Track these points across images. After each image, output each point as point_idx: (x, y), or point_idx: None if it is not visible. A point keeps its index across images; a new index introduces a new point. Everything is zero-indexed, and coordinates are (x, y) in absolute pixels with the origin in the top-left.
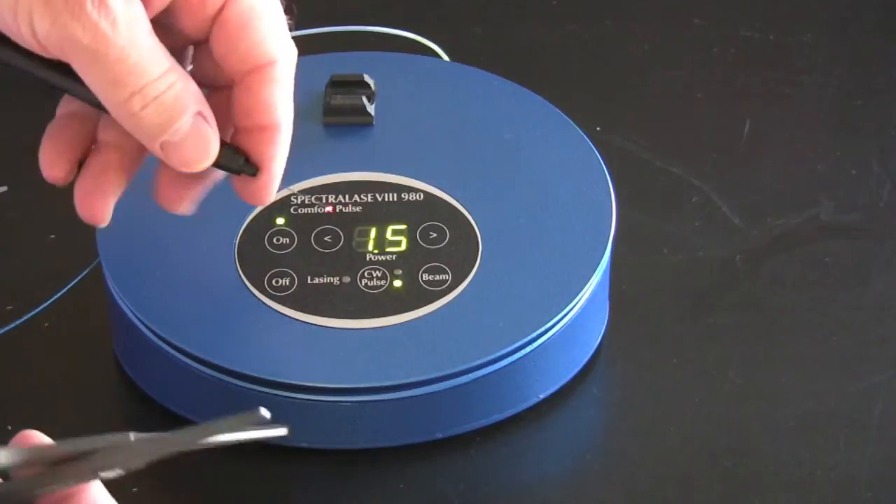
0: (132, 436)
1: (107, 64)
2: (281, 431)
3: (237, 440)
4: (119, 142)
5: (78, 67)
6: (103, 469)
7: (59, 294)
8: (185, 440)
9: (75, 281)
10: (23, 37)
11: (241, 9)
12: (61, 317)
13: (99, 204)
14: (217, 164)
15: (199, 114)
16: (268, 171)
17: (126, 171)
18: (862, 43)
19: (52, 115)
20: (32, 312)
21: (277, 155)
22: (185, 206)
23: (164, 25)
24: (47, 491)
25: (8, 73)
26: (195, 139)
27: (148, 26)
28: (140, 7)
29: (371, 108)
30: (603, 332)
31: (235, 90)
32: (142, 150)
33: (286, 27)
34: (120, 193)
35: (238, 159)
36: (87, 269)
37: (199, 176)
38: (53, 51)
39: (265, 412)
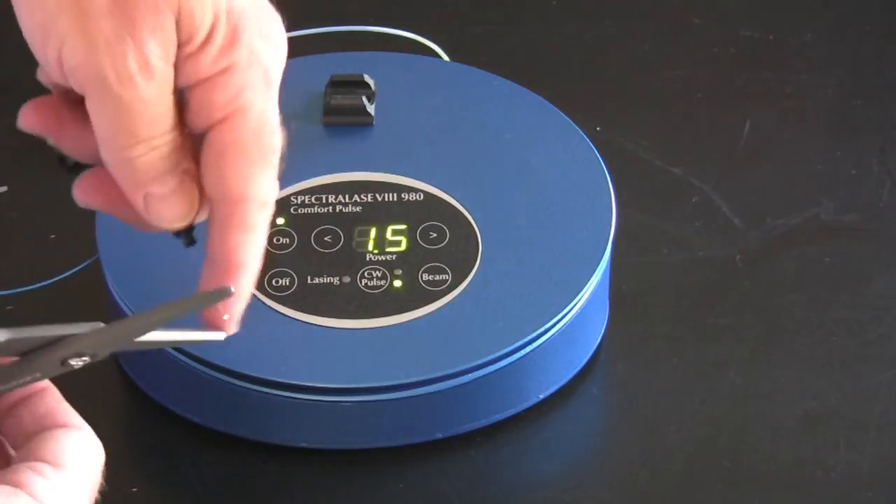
0: (100, 324)
1: (126, 112)
2: (219, 336)
3: (184, 339)
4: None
5: (94, 105)
6: (71, 357)
7: (56, 279)
8: (144, 324)
9: (73, 271)
10: (46, 58)
11: (227, 136)
12: (62, 317)
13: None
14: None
15: (187, 171)
16: (229, 301)
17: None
18: (862, 43)
19: None
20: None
21: (235, 294)
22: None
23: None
24: (13, 387)
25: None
26: (179, 195)
27: (172, 86)
28: (171, 69)
29: (371, 108)
30: (603, 332)
31: (210, 214)
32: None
33: (274, 168)
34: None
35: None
36: (85, 263)
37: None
38: (74, 82)
39: (231, 289)
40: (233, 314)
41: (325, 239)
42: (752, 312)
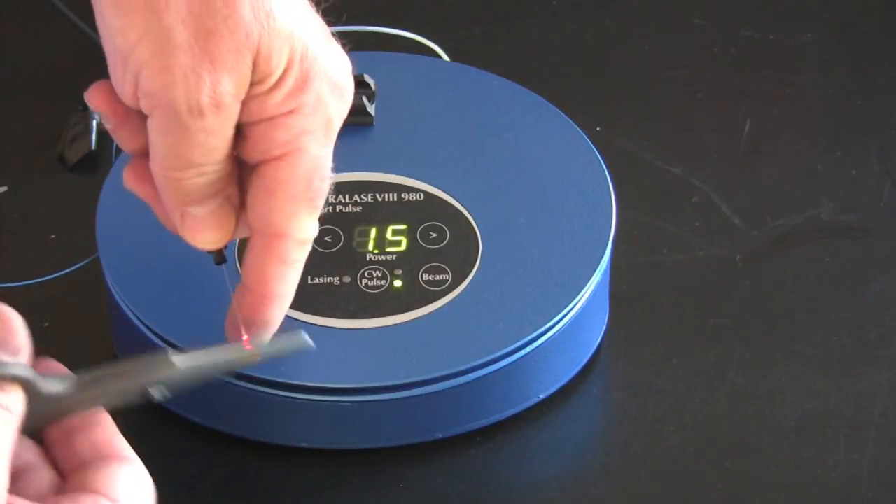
0: (170, 353)
1: (186, 139)
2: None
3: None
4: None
5: (157, 125)
6: (149, 384)
7: (55, 275)
8: (225, 361)
9: (72, 268)
10: (123, 82)
11: (280, 174)
12: (62, 317)
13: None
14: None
15: (228, 197)
16: (247, 329)
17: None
18: (862, 43)
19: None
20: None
21: (259, 320)
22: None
23: None
24: (96, 405)
25: (9, 74)
26: (217, 219)
27: (235, 120)
28: (239, 105)
29: (371, 108)
30: (603, 332)
31: (248, 242)
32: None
33: (318, 211)
34: None
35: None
36: (84, 262)
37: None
38: (145, 105)
39: (307, 339)
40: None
41: (325, 239)
42: (752, 312)
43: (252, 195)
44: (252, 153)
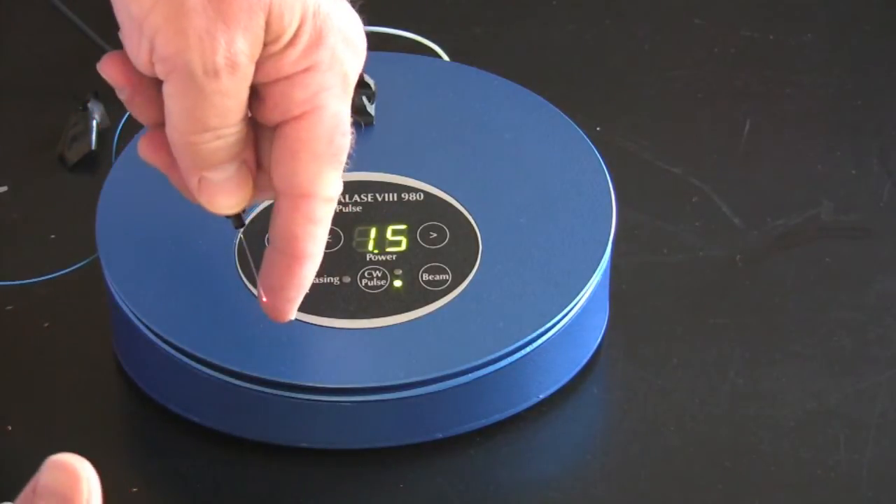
0: None
1: (202, 102)
2: None
3: None
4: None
5: (172, 90)
6: None
7: (55, 275)
8: None
9: (72, 268)
10: (138, 49)
11: (301, 134)
12: (61, 317)
13: None
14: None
15: (245, 161)
16: (279, 291)
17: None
18: (862, 43)
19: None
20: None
21: (292, 282)
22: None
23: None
24: None
25: (9, 74)
26: (234, 183)
27: (250, 81)
28: (253, 66)
29: (371, 108)
30: (603, 332)
31: (275, 204)
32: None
33: (341, 167)
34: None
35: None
36: (84, 262)
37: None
38: (160, 70)
39: None
40: (291, 303)
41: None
42: (752, 312)
43: (275, 158)
44: (271, 115)
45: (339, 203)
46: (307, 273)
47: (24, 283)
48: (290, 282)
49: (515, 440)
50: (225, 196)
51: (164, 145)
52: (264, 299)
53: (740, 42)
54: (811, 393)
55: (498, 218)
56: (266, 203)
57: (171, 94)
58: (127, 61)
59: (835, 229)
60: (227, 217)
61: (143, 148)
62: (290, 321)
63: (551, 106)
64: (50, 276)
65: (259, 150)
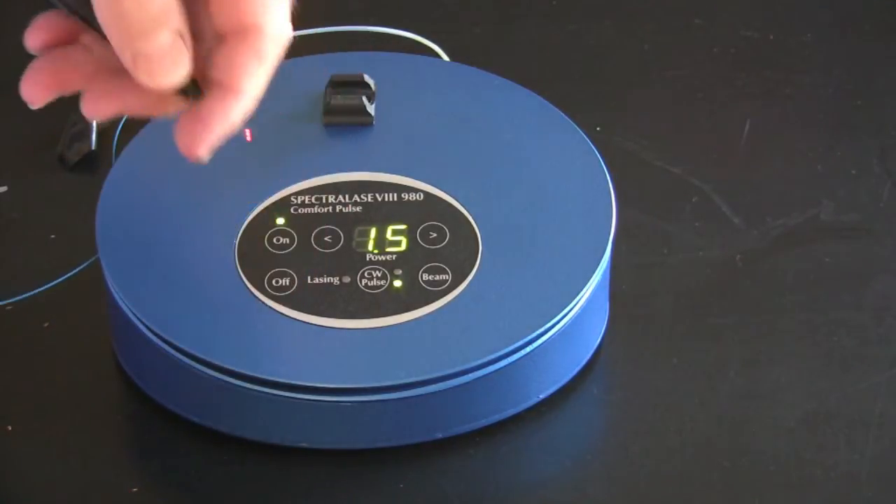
0: None
1: None
2: None
3: None
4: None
5: None
6: None
7: (55, 282)
8: None
9: (73, 272)
10: None
11: None
12: (61, 317)
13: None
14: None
15: (179, 32)
16: (202, 120)
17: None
18: (862, 43)
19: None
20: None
21: (216, 115)
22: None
23: None
24: None
25: (9, 74)
26: (169, 54)
27: None
28: None
29: (371, 108)
30: (603, 332)
31: (215, 52)
32: None
33: (287, 4)
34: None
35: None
36: (85, 264)
37: (217, 119)
38: None
39: None
40: (209, 134)
41: (325, 239)
42: (752, 312)
43: (219, 1)
44: None
45: (339, 203)
46: (235, 110)
47: (24, 284)
48: (215, 114)
49: (515, 440)
50: (161, 68)
51: (62, 25)
52: (183, 129)
53: (740, 42)
54: (811, 393)
55: (498, 218)
56: (266, 203)
57: None
58: (53, 24)
59: (835, 229)
60: (179, 94)
61: (37, 32)
62: (201, 160)
63: (551, 106)
64: (50, 277)
65: (193, 26)
